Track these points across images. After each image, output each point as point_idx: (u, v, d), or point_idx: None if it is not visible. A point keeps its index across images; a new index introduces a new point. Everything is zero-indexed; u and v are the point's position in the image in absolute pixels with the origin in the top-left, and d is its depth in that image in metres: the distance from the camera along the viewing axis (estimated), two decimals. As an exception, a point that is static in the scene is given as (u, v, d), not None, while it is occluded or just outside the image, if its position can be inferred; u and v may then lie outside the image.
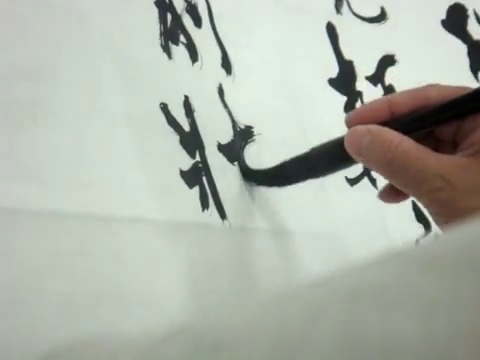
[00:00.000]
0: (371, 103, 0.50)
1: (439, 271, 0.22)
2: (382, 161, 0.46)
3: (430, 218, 0.71)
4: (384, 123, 0.47)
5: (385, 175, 0.47)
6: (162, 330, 0.30)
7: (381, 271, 0.24)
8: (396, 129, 0.46)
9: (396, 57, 0.77)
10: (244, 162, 0.60)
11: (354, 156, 0.48)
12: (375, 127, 0.47)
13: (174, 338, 0.28)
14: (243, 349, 0.25)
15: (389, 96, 0.50)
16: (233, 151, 0.60)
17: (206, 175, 0.56)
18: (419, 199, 0.47)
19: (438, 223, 0.47)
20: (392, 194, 0.52)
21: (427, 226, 0.70)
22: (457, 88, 0.47)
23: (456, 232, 0.24)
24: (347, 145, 0.48)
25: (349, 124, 0.50)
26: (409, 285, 0.22)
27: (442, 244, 0.24)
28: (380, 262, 0.24)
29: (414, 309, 0.21)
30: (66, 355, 0.37)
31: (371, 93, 0.74)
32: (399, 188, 0.47)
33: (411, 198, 0.71)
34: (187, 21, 0.62)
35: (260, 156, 0.62)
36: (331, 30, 0.75)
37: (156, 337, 0.30)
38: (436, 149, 0.46)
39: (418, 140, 0.46)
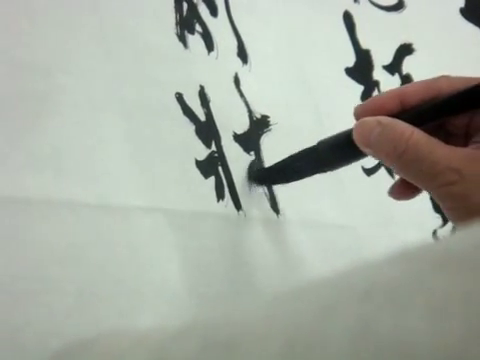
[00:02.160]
0: (380, 95, 0.49)
1: (453, 270, 0.21)
2: (393, 153, 0.44)
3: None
4: (394, 115, 0.46)
5: (395, 168, 0.46)
6: (174, 326, 0.30)
7: (394, 270, 0.23)
8: (406, 121, 0.45)
9: (414, 46, 0.77)
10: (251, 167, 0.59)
11: (363, 148, 0.47)
12: (385, 118, 0.46)
13: (186, 335, 0.28)
14: (255, 346, 0.24)
15: (399, 88, 0.48)
16: (249, 141, 0.59)
17: (222, 165, 0.56)
18: (432, 193, 0.46)
19: (451, 218, 0.46)
20: (402, 191, 0.51)
21: (445, 217, 0.70)
22: (469, 79, 0.45)
23: (470, 231, 0.24)
24: (356, 137, 0.47)
25: (358, 116, 0.48)
26: (422, 284, 0.22)
27: (456, 243, 0.24)
28: (393, 260, 0.24)
29: (427, 308, 0.21)
30: (79, 352, 0.37)
31: (388, 82, 0.74)
32: (410, 181, 0.46)
33: (424, 192, 0.71)
34: (203, 10, 0.62)
35: (276, 146, 0.61)
36: (348, 19, 0.74)
37: (168, 333, 0.30)
38: (447, 142, 0.45)
39: (428, 133, 0.44)
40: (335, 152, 0.51)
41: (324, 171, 0.53)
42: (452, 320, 0.20)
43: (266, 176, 0.58)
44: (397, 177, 0.69)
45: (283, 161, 0.56)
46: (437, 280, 0.21)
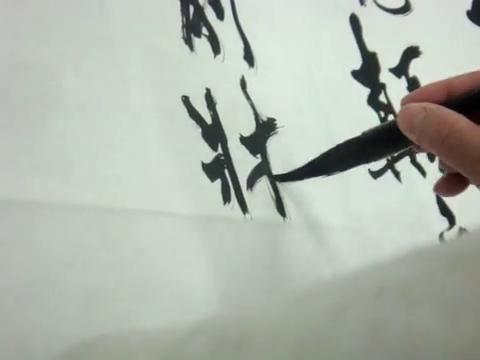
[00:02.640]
0: (427, 85, 0.50)
1: (465, 270, 0.21)
2: (437, 137, 0.45)
3: (454, 212, 0.70)
4: (440, 104, 0.47)
5: (438, 152, 0.46)
6: (183, 328, 0.30)
7: (406, 269, 0.23)
8: (451, 108, 0.45)
9: (420, 49, 0.77)
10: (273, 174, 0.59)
11: (406, 133, 0.47)
12: (430, 104, 0.46)
13: (196, 336, 0.28)
14: (266, 345, 0.25)
15: (447, 79, 0.49)
16: (255, 144, 0.59)
17: (228, 168, 0.56)
18: (474, 179, 0.46)
19: None
20: (448, 187, 0.51)
21: (451, 220, 0.70)
22: None
23: None
24: (400, 121, 0.47)
25: (404, 104, 0.49)
26: (435, 283, 0.22)
27: (467, 243, 0.24)
28: (405, 260, 0.24)
29: (440, 307, 0.21)
30: (88, 352, 0.37)
31: (395, 85, 0.74)
32: (452, 166, 0.47)
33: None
34: (209, 13, 0.62)
35: (282, 148, 0.61)
36: (355, 22, 0.74)
37: (177, 335, 0.30)
38: None
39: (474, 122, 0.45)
40: (379, 140, 0.52)
41: (368, 161, 0.55)
42: (465, 318, 0.20)
43: (305, 171, 0.59)
44: (403, 179, 0.69)
45: (326, 152, 0.57)
46: (450, 279, 0.22)
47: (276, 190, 0.59)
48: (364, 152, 0.54)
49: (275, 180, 0.59)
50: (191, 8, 0.60)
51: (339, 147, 0.56)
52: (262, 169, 0.59)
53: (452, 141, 0.44)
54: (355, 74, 0.72)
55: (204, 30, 0.61)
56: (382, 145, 0.52)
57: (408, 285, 0.22)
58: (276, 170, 0.60)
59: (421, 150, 0.52)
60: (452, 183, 0.51)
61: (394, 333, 0.21)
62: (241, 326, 0.27)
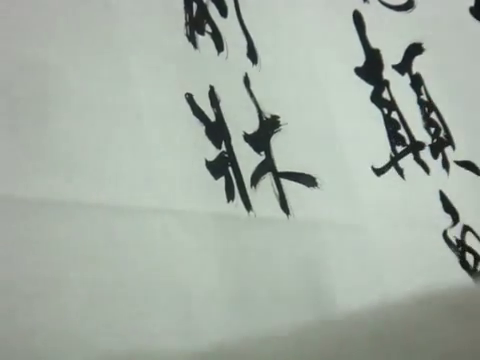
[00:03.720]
0: None
1: (462, 320, 0.22)
2: None
3: (458, 209, 0.70)
4: None
5: None
6: None
7: (405, 312, 0.24)
8: None
9: (423, 45, 0.77)
10: None
11: None
12: None
13: None
14: None
15: None
16: (259, 141, 0.59)
17: (232, 165, 0.56)
18: None
19: None
20: None
21: (455, 217, 0.70)
22: None
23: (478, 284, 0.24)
24: None
25: None
26: (432, 331, 0.22)
27: (464, 293, 0.24)
28: (404, 306, 0.24)
29: (436, 356, 0.21)
30: None
31: (398, 82, 0.74)
32: None
33: (439, 187, 0.71)
34: (213, 10, 0.62)
35: (286, 145, 0.61)
36: (358, 18, 0.74)
37: None
38: None
39: None
40: None
41: None
42: None
43: None
44: (407, 176, 0.69)
45: None
46: (448, 328, 0.22)
47: (280, 187, 0.59)
48: None
49: None
50: (194, 5, 0.60)
51: None
52: (266, 166, 0.59)
53: None
54: (358, 71, 0.72)
55: (207, 27, 0.61)
56: None
57: (407, 329, 0.23)
58: (280, 167, 0.60)
59: None
60: None
61: None
62: None
